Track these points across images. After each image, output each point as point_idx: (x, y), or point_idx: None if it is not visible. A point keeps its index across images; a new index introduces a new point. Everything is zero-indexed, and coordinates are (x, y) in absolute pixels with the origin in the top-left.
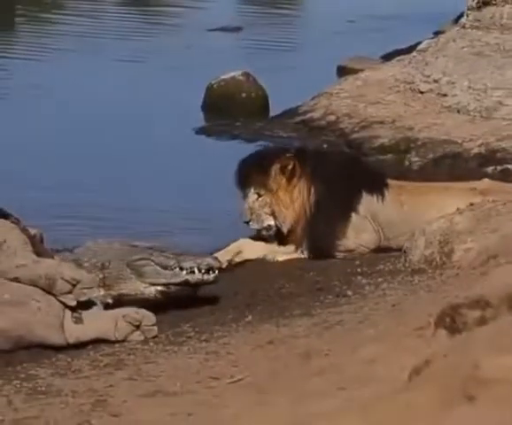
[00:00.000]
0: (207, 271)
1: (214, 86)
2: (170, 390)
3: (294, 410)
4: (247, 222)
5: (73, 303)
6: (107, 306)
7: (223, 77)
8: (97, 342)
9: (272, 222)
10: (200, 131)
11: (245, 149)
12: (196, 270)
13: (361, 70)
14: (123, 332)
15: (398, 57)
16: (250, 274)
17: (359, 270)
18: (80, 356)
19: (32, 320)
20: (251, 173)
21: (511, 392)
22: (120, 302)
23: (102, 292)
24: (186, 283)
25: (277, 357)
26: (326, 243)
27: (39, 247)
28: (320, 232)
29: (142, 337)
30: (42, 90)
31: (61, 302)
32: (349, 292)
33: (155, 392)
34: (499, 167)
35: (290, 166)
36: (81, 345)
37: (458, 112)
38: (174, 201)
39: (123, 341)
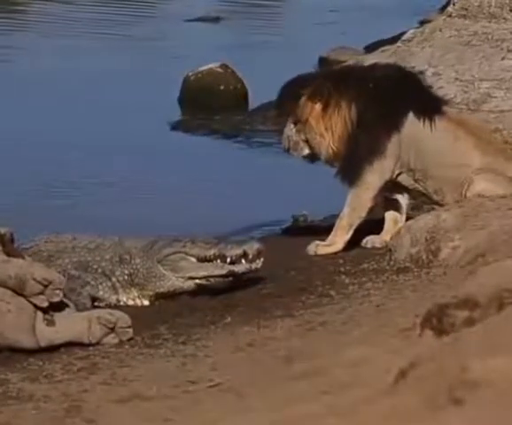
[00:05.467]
0: (254, 258)
1: (191, 78)
2: (146, 395)
3: (276, 415)
4: (287, 150)
5: (45, 304)
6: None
7: (201, 69)
8: (70, 345)
9: (308, 150)
10: (176, 126)
11: (224, 144)
12: (243, 260)
13: (344, 61)
14: (97, 334)
15: (382, 48)
16: None
17: (342, 269)
18: (52, 360)
19: (1, 322)
20: (285, 101)
21: (499, 395)
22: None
23: (135, 293)
24: (231, 274)
25: (258, 360)
26: (358, 168)
27: (9, 247)
28: (354, 155)
29: (116, 340)
30: (12, 79)
31: (32, 303)
32: (332, 292)
33: (131, 397)
34: None
35: (320, 95)
36: (53, 349)
37: None
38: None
39: (97, 344)
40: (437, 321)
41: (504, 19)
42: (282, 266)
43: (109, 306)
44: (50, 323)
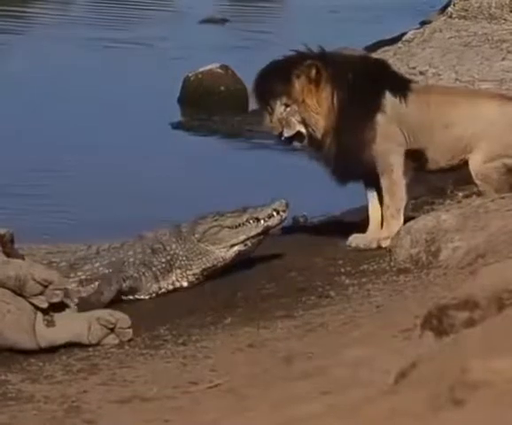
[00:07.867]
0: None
1: (191, 79)
2: (146, 396)
3: (276, 415)
4: (280, 134)
5: (45, 305)
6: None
7: (201, 70)
8: (70, 345)
9: (303, 129)
10: (177, 126)
11: (224, 144)
12: (274, 213)
13: None
14: (97, 335)
15: (382, 49)
16: (228, 273)
17: (342, 270)
18: (52, 360)
19: (1, 323)
20: (273, 85)
21: (500, 396)
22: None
23: (173, 277)
24: (267, 230)
25: (258, 360)
26: (353, 150)
27: (9, 247)
28: (346, 139)
29: (116, 341)
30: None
31: (32, 304)
32: (332, 293)
33: (131, 398)
34: None
35: (313, 72)
36: (53, 349)
37: None
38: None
39: (97, 344)
40: (437, 322)
41: (504, 19)
42: (282, 266)
43: (150, 295)
44: (50, 324)
